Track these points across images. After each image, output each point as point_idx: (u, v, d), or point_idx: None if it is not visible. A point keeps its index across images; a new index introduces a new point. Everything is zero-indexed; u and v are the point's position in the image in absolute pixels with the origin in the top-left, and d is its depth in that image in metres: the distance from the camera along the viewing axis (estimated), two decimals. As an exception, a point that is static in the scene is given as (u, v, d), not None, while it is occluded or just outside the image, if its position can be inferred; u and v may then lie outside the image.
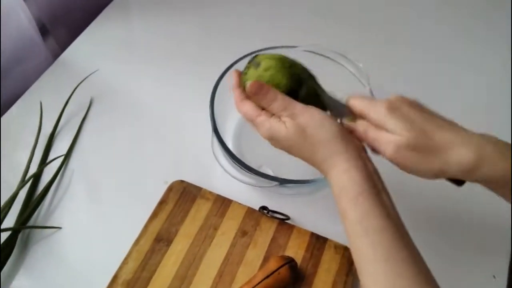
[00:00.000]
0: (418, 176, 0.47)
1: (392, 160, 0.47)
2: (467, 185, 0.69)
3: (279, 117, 0.50)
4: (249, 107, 0.52)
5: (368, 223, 0.43)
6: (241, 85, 0.55)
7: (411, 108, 0.47)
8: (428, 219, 0.68)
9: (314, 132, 0.48)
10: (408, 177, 0.48)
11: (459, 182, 0.48)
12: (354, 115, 0.51)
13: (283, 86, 0.52)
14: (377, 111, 0.47)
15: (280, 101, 0.50)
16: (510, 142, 0.45)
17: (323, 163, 0.48)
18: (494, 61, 0.89)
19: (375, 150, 0.49)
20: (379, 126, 0.47)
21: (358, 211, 0.44)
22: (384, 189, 0.46)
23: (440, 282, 0.63)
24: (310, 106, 0.50)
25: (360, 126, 0.50)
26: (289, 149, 0.51)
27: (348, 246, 0.45)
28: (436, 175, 0.46)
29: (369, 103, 0.49)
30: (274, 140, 0.51)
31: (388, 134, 0.46)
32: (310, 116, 0.49)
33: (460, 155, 0.43)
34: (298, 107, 0.50)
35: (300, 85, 0.53)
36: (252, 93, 0.51)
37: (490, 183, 0.45)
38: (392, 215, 0.44)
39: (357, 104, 0.50)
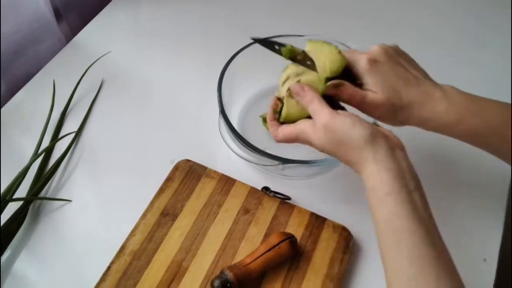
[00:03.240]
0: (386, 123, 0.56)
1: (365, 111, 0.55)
2: (460, 174, 0.72)
3: (310, 123, 0.53)
4: (285, 132, 0.56)
5: (395, 223, 0.44)
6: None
7: (388, 62, 0.54)
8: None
9: (343, 138, 0.49)
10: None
11: None
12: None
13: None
14: (360, 64, 0.54)
15: (314, 105, 0.53)
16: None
17: (355, 165, 0.50)
18: (494, 61, 0.91)
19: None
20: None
21: (385, 211, 0.45)
22: (418, 188, 0.47)
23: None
24: (340, 112, 0.51)
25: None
26: (325, 151, 0.53)
27: (377, 244, 0.47)
28: (400, 124, 0.56)
29: (353, 59, 0.56)
30: (314, 147, 0.54)
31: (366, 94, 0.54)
32: (340, 123, 0.50)
33: (419, 114, 0.53)
34: (326, 112, 0.51)
35: None
36: (295, 93, 0.55)
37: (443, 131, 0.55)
38: (421, 215, 0.45)
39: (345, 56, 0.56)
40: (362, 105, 0.54)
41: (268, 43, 0.61)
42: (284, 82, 0.60)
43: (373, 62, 0.54)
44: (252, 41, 0.73)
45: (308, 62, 0.58)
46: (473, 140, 0.55)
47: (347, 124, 0.49)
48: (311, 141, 0.53)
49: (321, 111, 0.52)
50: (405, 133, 0.78)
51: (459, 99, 0.53)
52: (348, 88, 0.54)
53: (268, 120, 0.60)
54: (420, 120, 0.54)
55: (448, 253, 0.45)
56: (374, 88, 0.53)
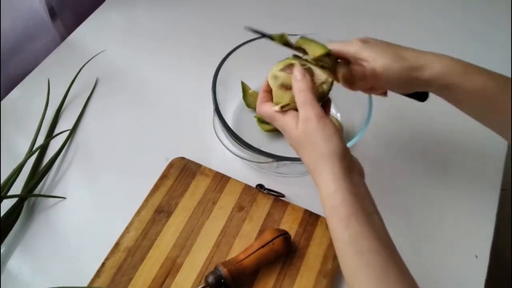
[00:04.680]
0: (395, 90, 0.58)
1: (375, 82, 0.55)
2: (451, 169, 0.73)
3: (296, 113, 0.53)
4: (266, 107, 0.56)
5: (360, 244, 0.44)
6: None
7: (380, 42, 0.56)
8: (413, 202, 0.72)
9: (318, 143, 0.49)
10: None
11: (422, 97, 0.60)
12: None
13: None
14: (353, 46, 0.55)
15: (308, 94, 0.52)
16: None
17: (313, 172, 0.50)
18: (494, 59, 0.91)
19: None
20: (356, 59, 0.55)
21: (350, 232, 0.45)
22: (375, 212, 0.48)
23: (423, 262, 0.67)
24: (326, 117, 0.51)
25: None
26: (295, 147, 0.54)
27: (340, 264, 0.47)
28: (407, 88, 0.56)
29: (345, 43, 0.56)
30: (286, 134, 0.54)
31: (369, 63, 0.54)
32: (322, 127, 0.50)
33: (424, 72, 0.53)
34: (315, 112, 0.50)
35: None
36: (295, 75, 0.54)
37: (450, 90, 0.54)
38: (383, 236, 0.46)
39: (335, 46, 0.57)
40: (373, 78, 0.55)
41: (260, 33, 0.61)
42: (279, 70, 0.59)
43: (365, 40, 0.55)
44: (246, 40, 0.74)
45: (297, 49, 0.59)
46: (470, 106, 0.56)
47: (330, 131, 0.49)
48: (290, 134, 0.53)
49: (313, 104, 0.51)
50: (400, 130, 0.80)
51: (450, 60, 0.54)
52: (357, 70, 0.55)
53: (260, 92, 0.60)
54: (425, 80, 0.54)
55: (409, 272, 0.46)
56: (377, 59, 0.54)
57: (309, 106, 0.51)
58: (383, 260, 0.44)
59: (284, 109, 0.55)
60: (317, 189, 0.50)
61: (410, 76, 0.53)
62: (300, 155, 0.53)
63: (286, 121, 0.53)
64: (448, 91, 0.54)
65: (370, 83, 0.56)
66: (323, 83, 0.57)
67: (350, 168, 0.50)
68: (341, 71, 0.56)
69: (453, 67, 0.53)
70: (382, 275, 0.43)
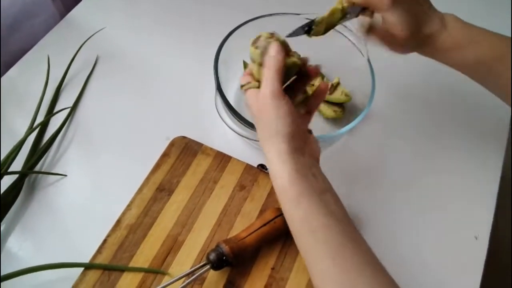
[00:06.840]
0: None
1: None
2: (452, 148, 0.73)
3: (257, 90, 0.51)
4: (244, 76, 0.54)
5: (312, 223, 0.44)
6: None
7: None
8: (413, 182, 0.72)
9: (270, 121, 0.48)
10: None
11: None
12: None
13: None
14: (382, 2, 0.54)
15: (271, 72, 0.49)
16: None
17: (266, 152, 0.49)
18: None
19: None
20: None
21: (301, 211, 0.45)
22: (328, 190, 0.48)
23: (422, 243, 0.67)
24: (283, 96, 0.48)
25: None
26: (255, 123, 0.52)
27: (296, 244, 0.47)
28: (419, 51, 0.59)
29: None
30: (249, 110, 0.53)
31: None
32: (275, 106, 0.48)
33: (432, 44, 0.56)
34: (270, 89, 0.48)
35: None
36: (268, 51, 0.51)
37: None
38: (336, 212, 0.46)
39: None
40: (390, 44, 0.58)
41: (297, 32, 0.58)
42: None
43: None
44: (247, 19, 0.73)
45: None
46: (467, 71, 0.59)
47: (282, 111, 0.48)
48: (250, 103, 0.52)
49: (273, 81, 0.48)
50: (401, 107, 0.80)
51: (456, 28, 0.56)
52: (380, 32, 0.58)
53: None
54: (435, 49, 0.57)
55: (367, 244, 0.45)
56: (397, 25, 0.55)
57: (268, 82, 0.48)
58: (337, 237, 0.44)
59: (244, 88, 0.53)
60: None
61: (425, 42, 0.56)
62: (257, 131, 0.51)
63: (247, 97, 0.52)
64: (451, 60, 0.57)
65: (387, 42, 0.58)
66: (291, 55, 0.52)
67: (300, 150, 0.49)
68: (364, 25, 0.58)
69: (444, 42, 0.56)
70: (336, 252, 0.43)
